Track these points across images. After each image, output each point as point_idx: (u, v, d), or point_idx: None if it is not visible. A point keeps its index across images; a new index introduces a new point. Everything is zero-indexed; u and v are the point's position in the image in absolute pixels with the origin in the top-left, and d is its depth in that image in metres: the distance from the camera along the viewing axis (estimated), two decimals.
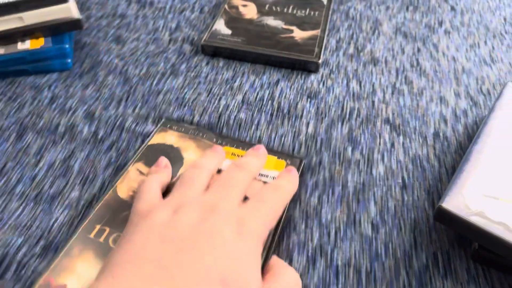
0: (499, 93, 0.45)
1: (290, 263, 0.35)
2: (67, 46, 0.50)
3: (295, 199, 0.39)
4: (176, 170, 0.39)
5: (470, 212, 0.34)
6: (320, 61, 0.51)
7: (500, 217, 0.33)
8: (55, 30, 0.50)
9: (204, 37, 0.54)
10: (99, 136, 0.43)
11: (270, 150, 0.41)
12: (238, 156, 0.41)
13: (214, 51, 0.53)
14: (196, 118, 0.46)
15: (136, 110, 0.46)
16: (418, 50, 0.56)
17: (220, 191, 0.33)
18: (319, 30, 0.56)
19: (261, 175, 0.39)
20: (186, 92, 0.49)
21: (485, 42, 0.59)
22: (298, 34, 0.55)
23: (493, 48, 0.58)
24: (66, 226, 0.36)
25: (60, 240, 0.35)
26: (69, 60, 0.51)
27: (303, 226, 0.37)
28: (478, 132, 0.41)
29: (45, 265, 0.33)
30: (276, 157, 0.41)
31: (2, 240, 0.35)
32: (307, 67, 0.52)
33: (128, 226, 0.32)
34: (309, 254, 0.35)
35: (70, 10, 0.50)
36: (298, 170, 0.40)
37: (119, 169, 0.40)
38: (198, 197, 0.32)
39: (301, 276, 0.34)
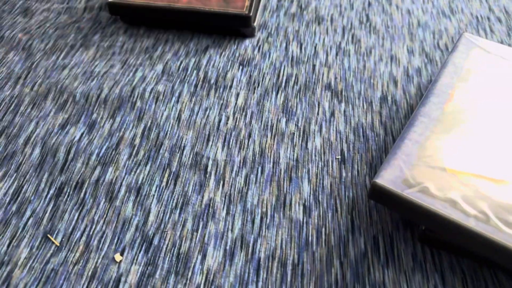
0: (453, 46, 0.39)
1: (203, 259, 0.29)
2: None
3: (217, 179, 0.33)
4: None
5: (410, 188, 0.28)
6: (250, 14, 0.44)
7: (447, 193, 0.28)
8: None
9: None
10: None
11: None
12: None
13: (124, 12, 0.45)
14: (105, 92, 0.39)
15: (35, 88, 0.40)
16: (369, 4, 0.50)
17: None
18: None
19: None
20: (96, 65, 0.42)
21: None
22: None
23: None
24: None
25: None
26: None
27: (223, 213, 0.32)
28: (426, 91, 0.35)
29: None
30: None
31: None
32: (238, 24, 0.45)
33: None
34: (227, 247, 0.30)
35: None
36: None
37: (6, 159, 0.34)
38: None
39: (214, 274, 0.28)
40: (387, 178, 0.28)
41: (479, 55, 0.38)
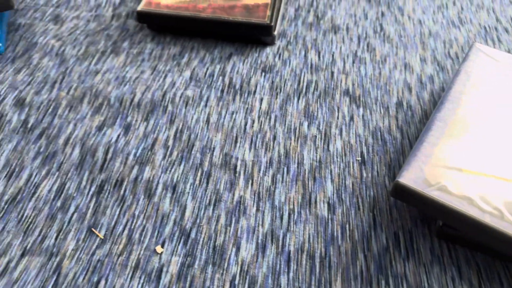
0: (465, 56, 0.42)
1: (238, 251, 0.31)
2: None
3: (247, 178, 0.35)
4: None
5: (430, 186, 0.31)
6: (271, 23, 0.46)
7: (463, 191, 0.30)
8: None
9: (141, 5, 0.48)
10: (29, 125, 0.39)
11: None
12: None
13: (151, 18, 0.47)
14: (138, 96, 0.42)
15: (71, 92, 0.42)
16: (382, 14, 0.52)
17: None
18: None
19: None
20: (127, 71, 0.44)
21: (454, 3, 0.55)
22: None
23: (462, 8, 0.54)
24: None
25: None
26: (0, 44, 0.46)
27: (254, 209, 0.34)
28: (441, 98, 0.38)
29: None
30: None
31: None
32: (259, 33, 0.47)
33: None
34: (259, 240, 0.32)
35: None
36: None
37: (48, 158, 0.37)
38: None
39: (248, 265, 0.31)
40: (408, 178, 0.31)
41: (489, 64, 0.40)
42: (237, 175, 0.36)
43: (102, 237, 0.32)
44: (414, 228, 0.33)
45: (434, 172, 0.31)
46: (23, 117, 0.40)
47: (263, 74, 0.45)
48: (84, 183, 0.35)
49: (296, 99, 0.42)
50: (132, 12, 0.52)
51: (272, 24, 0.46)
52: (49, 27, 0.50)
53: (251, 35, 0.48)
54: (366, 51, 0.47)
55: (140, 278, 0.30)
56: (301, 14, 0.52)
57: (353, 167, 0.37)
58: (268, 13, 0.47)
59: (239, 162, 0.37)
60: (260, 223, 0.33)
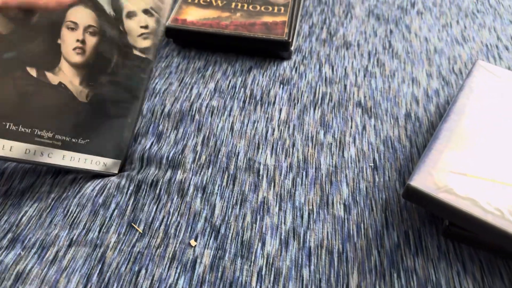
0: (469, 72, 0.45)
1: (263, 246, 0.35)
2: None
3: (269, 181, 0.39)
4: None
5: (438, 189, 0.34)
6: (289, 39, 0.50)
7: (468, 193, 0.34)
8: None
9: (168, 20, 0.52)
10: None
11: None
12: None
13: (179, 35, 0.52)
14: (167, 107, 0.45)
15: None
16: (391, 32, 0.56)
17: None
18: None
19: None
20: (157, 83, 0.48)
21: (457, 22, 0.59)
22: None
23: (465, 27, 0.58)
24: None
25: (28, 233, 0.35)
26: None
27: (276, 209, 0.37)
28: (447, 110, 0.41)
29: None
30: None
31: None
32: (278, 49, 0.51)
33: None
34: (282, 236, 0.35)
35: None
36: None
37: None
38: None
39: (273, 258, 0.34)
40: (419, 181, 0.34)
41: (491, 80, 0.44)
42: (260, 178, 0.39)
43: (141, 231, 0.35)
44: (422, 227, 0.37)
45: (442, 176, 0.35)
46: None
47: (281, 86, 0.49)
48: (123, 182, 0.39)
49: (312, 109, 0.46)
50: None
51: (290, 40, 0.50)
52: None
53: (270, 51, 0.52)
54: (376, 66, 0.51)
55: (176, 268, 0.33)
56: (315, 31, 0.56)
57: (366, 172, 0.40)
58: (286, 30, 0.51)
59: (261, 167, 0.40)
60: (283, 221, 0.36)
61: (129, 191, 0.38)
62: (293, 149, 0.42)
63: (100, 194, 0.38)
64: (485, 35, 0.57)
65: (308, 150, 0.42)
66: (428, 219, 0.37)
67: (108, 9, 0.37)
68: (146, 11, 0.39)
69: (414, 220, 0.37)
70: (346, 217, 0.37)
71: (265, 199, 0.38)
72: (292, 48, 0.52)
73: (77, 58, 0.35)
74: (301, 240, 0.35)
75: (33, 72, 0.32)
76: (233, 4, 0.54)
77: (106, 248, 0.34)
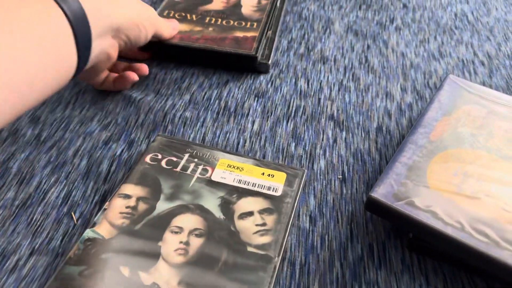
0: (439, 85, 0.46)
1: None
2: None
3: None
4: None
5: (399, 201, 0.34)
6: (256, 54, 0.50)
7: (429, 205, 0.34)
8: None
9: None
10: (42, 138, 0.43)
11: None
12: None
13: (158, 47, 0.52)
14: (142, 117, 0.46)
15: (83, 112, 0.46)
16: (368, 47, 0.57)
17: None
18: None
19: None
20: (134, 92, 0.49)
21: (435, 38, 0.60)
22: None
23: (442, 43, 0.59)
24: None
25: None
26: None
27: None
28: (415, 123, 0.41)
29: None
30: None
31: None
32: (246, 63, 0.51)
33: None
34: None
35: None
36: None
37: (57, 167, 0.40)
38: None
39: None
40: (380, 193, 0.34)
41: (461, 94, 0.44)
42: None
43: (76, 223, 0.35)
44: (387, 240, 0.37)
45: (404, 188, 0.35)
46: (36, 131, 0.44)
47: (256, 99, 0.49)
48: (89, 191, 0.39)
49: (285, 122, 0.46)
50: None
51: (258, 55, 0.50)
52: None
53: (240, 65, 0.52)
54: (351, 80, 0.52)
55: None
56: (293, 46, 0.57)
57: (334, 184, 0.40)
58: (255, 45, 0.51)
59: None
60: None
61: (94, 200, 0.38)
62: None
63: (65, 202, 0.38)
64: (461, 51, 0.57)
65: (279, 161, 0.42)
66: (394, 232, 0.37)
67: (218, 214, 0.36)
68: (263, 211, 0.36)
69: (379, 232, 0.37)
70: (311, 229, 0.37)
71: None
72: (269, 62, 0.52)
73: (178, 259, 0.33)
74: None
75: (125, 271, 0.31)
76: (207, 19, 0.55)
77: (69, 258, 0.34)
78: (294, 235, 0.36)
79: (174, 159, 0.40)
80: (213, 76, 0.52)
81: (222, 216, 0.36)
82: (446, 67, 0.55)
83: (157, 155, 0.40)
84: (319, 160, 0.43)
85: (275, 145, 0.44)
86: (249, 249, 0.34)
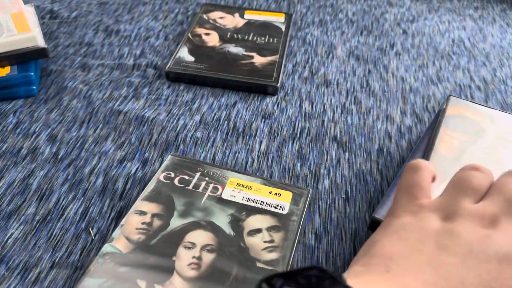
0: (440, 106, 0.48)
1: None
2: (32, 74, 0.52)
3: None
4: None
5: None
6: (278, 85, 0.54)
7: None
8: (21, 58, 0.53)
9: (168, 64, 0.57)
10: (59, 156, 0.45)
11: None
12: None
13: (178, 77, 0.56)
14: (155, 137, 0.48)
15: (97, 131, 0.49)
16: (369, 71, 0.60)
17: (502, 202, 0.29)
18: (277, 56, 0.59)
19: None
20: (146, 112, 0.51)
21: (433, 63, 0.62)
22: (258, 60, 0.58)
23: (440, 68, 0.61)
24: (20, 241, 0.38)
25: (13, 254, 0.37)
26: (35, 87, 0.53)
27: None
28: (415, 146, 0.44)
29: None
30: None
31: None
32: (267, 91, 0.55)
33: (392, 214, 0.32)
34: None
35: (36, 40, 0.53)
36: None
37: (75, 185, 0.42)
38: (474, 207, 0.29)
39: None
40: (383, 214, 0.37)
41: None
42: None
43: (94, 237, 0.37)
44: None
45: None
46: (54, 149, 0.46)
47: (263, 120, 0.51)
48: (105, 208, 0.41)
49: (291, 142, 0.49)
50: (151, 63, 0.59)
51: (278, 85, 0.54)
52: (77, 74, 0.57)
53: (259, 92, 0.55)
54: (353, 103, 0.54)
55: None
56: (298, 69, 0.60)
57: (338, 203, 0.43)
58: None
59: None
60: None
61: (111, 217, 0.40)
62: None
63: (82, 218, 0.40)
64: (459, 76, 0.60)
65: (285, 181, 0.44)
66: None
67: (228, 230, 0.37)
68: (271, 228, 0.38)
69: None
70: (316, 245, 0.39)
71: None
72: (278, 85, 0.55)
73: (191, 273, 0.34)
74: None
75: (142, 284, 0.33)
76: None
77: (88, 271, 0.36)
78: (300, 251, 0.38)
79: (186, 177, 0.42)
80: (221, 98, 0.54)
81: (232, 233, 0.38)
82: (444, 92, 0.57)
83: (170, 174, 0.42)
84: (324, 179, 0.45)
85: (282, 165, 0.46)
86: (258, 264, 0.35)
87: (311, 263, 0.38)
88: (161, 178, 0.42)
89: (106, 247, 0.36)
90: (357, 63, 0.61)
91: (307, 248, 0.39)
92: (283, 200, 0.40)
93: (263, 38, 0.63)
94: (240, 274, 0.35)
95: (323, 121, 0.52)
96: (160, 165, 0.43)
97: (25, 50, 0.53)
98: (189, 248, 0.36)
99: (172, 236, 0.37)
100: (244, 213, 0.39)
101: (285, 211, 0.40)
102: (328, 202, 0.43)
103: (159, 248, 0.36)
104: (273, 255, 0.36)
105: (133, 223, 0.38)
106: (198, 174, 0.42)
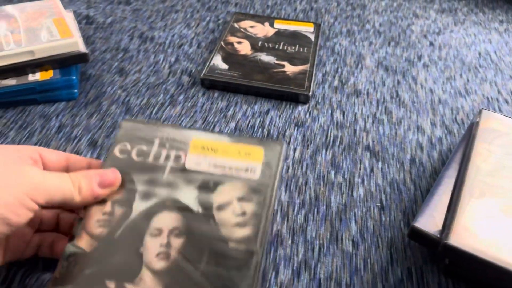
0: (472, 119, 0.49)
1: (277, 274, 0.38)
2: (74, 77, 0.54)
3: (283, 216, 0.42)
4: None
5: (439, 230, 0.37)
6: (310, 93, 0.55)
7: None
8: (63, 63, 0.55)
9: (204, 72, 0.58)
10: None
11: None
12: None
13: (212, 84, 0.58)
14: None
15: None
16: (398, 82, 0.61)
17: None
18: (308, 65, 0.60)
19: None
20: (183, 120, 0.53)
21: (461, 75, 0.63)
22: (289, 68, 0.60)
23: (467, 80, 0.62)
24: None
25: None
26: (76, 91, 0.55)
27: (289, 242, 0.41)
28: (449, 158, 0.45)
29: None
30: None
31: None
32: (299, 99, 0.56)
33: None
34: (294, 267, 0.39)
35: (78, 45, 0.55)
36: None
37: None
38: None
39: (286, 287, 0.37)
40: (422, 223, 0.38)
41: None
42: (274, 212, 0.43)
43: None
44: (424, 265, 0.40)
45: (442, 219, 0.38)
46: (95, 155, 0.48)
47: (296, 128, 0.53)
48: None
49: (324, 150, 0.50)
50: (186, 70, 0.61)
51: (310, 94, 0.55)
52: (115, 79, 0.59)
53: (291, 101, 0.57)
54: (384, 114, 0.55)
55: None
56: (328, 78, 0.61)
57: (373, 211, 0.44)
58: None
59: (276, 202, 0.44)
60: (295, 253, 0.40)
61: None
62: (305, 186, 0.46)
63: None
64: (486, 89, 0.61)
65: (320, 188, 0.46)
66: (430, 258, 0.40)
67: (196, 207, 0.33)
68: (241, 198, 0.33)
69: (417, 258, 0.40)
70: (354, 252, 0.40)
71: (278, 232, 0.41)
72: (310, 94, 0.56)
73: (159, 264, 0.31)
74: (312, 272, 0.38)
75: (111, 285, 0.30)
76: None
77: None
78: (338, 257, 0.40)
79: (145, 148, 0.36)
80: (255, 105, 0.56)
81: (200, 210, 0.33)
82: (472, 104, 0.58)
83: (126, 145, 0.36)
84: (358, 188, 0.46)
85: (316, 172, 0.47)
86: (231, 245, 0.32)
87: (350, 269, 0.39)
88: (117, 153, 0.36)
89: (69, 248, 0.32)
90: (386, 73, 0.63)
91: (345, 254, 0.40)
92: (253, 160, 0.35)
93: (293, 47, 0.64)
94: (212, 260, 0.31)
95: (355, 130, 0.53)
96: (114, 137, 0.39)
97: (67, 54, 0.54)
98: (155, 235, 0.32)
99: (136, 224, 0.32)
100: (211, 183, 0.34)
101: (257, 175, 0.35)
102: (364, 210, 0.44)
103: (125, 241, 0.32)
104: (245, 231, 0.32)
105: (93, 214, 0.33)
106: (157, 141, 0.37)
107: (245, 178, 0.35)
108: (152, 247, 0.32)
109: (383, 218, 0.43)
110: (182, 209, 0.33)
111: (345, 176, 0.47)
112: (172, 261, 0.31)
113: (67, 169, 0.35)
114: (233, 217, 0.33)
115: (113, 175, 0.34)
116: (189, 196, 0.34)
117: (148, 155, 0.36)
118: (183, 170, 0.35)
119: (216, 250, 0.31)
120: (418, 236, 0.38)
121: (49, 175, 0.31)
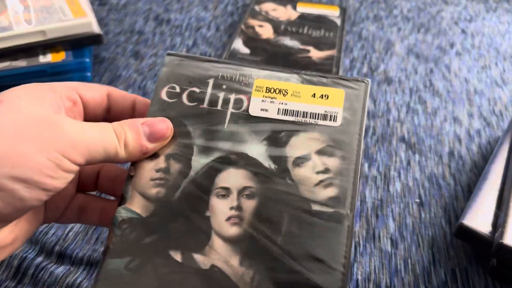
0: None
1: None
2: (87, 60, 0.51)
3: None
4: None
5: (490, 228, 0.34)
6: None
7: None
8: (76, 44, 0.51)
9: (224, 56, 0.55)
10: None
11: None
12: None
13: None
14: None
15: None
16: (431, 70, 0.57)
17: None
18: (335, 50, 0.57)
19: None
20: None
21: (496, 64, 0.60)
22: (315, 54, 0.56)
23: (504, 70, 0.59)
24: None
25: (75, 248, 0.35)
26: (89, 74, 0.52)
27: None
28: (494, 152, 0.41)
29: None
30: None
31: None
32: None
33: None
34: None
35: (91, 25, 0.51)
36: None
37: None
38: None
39: None
40: (471, 220, 0.34)
41: None
42: None
43: None
44: (469, 266, 0.36)
45: (492, 216, 0.35)
46: None
47: None
48: None
49: None
50: (205, 54, 0.57)
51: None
52: (130, 62, 0.55)
53: None
54: (418, 103, 0.52)
55: None
56: (356, 65, 0.58)
57: (412, 207, 0.40)
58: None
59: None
60: None
61: None
62: None
63: None
64: None
65: None
66: (475, 258, 0.37)
67: (267, 163, 0.28)
68: (322, 152, 0.28)
69: (460, 258, 0.37)
70: (393, 251, 0.37)
71: None
72: None
73: (232, 230, 0.26)
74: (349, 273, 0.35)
75: (177, 256, 0.26)
76: None
77: None
78: (376, 257, 0.36)
79: (197, 90, 0.30)
80: None
81: (273, 166, 0.28)
82: (510, 95, 0.55)
83: (175, 87, 0.30)
84: (395, 182, 0.43)
85: None
86: (314, 207, 0.26)
87: (389, 270, 0.36)
88: (164, 96, 0.30)
89: (121, 212, 0.27)
90: (417, 61, 0.59)
91: (384, 254, 0.37)
92: (333, 106, 0.29)
93: (318, 32, 0.60)
94: (294, 225, 0.26)
95: (388, 120, 0.49)
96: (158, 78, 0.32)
97: (80, 35, 0.51)
98: (223, 196, 0.27)
99: (198, 183, 0.27)
100: (283, 134, 0.28)
101: (338, 122, 0.28)
102: (402, 206, 0.41)
103: (187, 203, 0.27)
104: (330, 191, 0.27)
105: (145, 172, 0.28)
106: (211, 81, 0.30)
107: (324, 126, 0.28)
108: (220, 210, 0.27)
109: (423, 215, 0.40)
110: (251, 164, 0.28)
111: (380, 169, 0.44)
112: (247, 227, 0.26)
113: (109, 110, 0.29)
114: (314, 175, 0.27)
115: (165, 125, 0.27)
116: (257, 149, 0.28)
117: (202, 99, 0.29)
118: (247, 117, 0.29)
119: (297, 214, 0.26)
120: (466, 234, 0.34)
121: (89, 127, 0.25)
